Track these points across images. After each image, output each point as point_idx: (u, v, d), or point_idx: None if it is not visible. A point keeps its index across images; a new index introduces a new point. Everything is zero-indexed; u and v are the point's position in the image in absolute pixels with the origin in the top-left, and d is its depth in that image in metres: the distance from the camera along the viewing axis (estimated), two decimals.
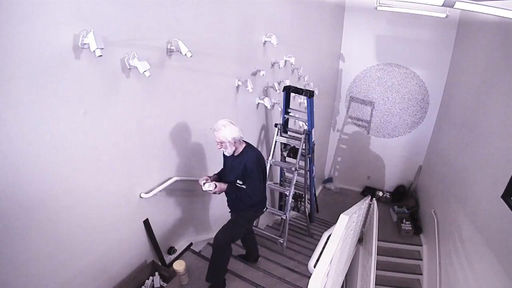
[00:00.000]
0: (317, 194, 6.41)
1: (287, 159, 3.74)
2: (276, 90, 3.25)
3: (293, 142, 3.51)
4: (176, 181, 2.07)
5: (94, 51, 1.22)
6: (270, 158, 3.47)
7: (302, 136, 3.38)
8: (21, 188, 1.20)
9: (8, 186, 1.15)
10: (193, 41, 1.92)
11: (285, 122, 3.55)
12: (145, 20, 1.56)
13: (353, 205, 2.38)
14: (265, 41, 2.85)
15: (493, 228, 2.67)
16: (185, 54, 1.74)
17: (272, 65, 3.20)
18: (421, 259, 4.74)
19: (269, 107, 3.15)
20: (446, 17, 3.77)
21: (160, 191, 1.95)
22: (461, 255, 3.21)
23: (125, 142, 1.66)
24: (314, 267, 1.35)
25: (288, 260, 3.08)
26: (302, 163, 3.60)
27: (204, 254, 2.50)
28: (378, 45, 5.64)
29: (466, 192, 3.42)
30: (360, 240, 3.50)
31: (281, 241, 3.33)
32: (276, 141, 3.51)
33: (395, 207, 5.72)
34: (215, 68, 2.26)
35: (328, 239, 1.55)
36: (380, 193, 6.48)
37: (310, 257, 1.93)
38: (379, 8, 3.88)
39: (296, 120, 3.77)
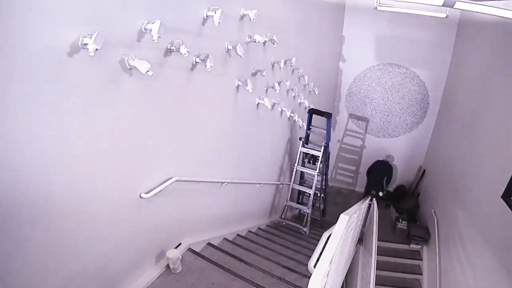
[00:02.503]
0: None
1: (307, 165, 4.69)
2: (276, 90, 3.25)
3: (312, 152, 4.42)
4: (176, 181, 2.07)
5: (89, 49, 1.22)
6: (296, 164, 4.46)
7: (322, 148, 4.31)
8: (21, 188, 1.20)
9: (8, 186, 1.15)
10: (194, 42, 1.92)
11: (307, 137, 4.50)
12: (146, 19, 1.55)
13: (353, 205, 2.39)
14: (265, 41, 2.85)
15: (493, 228, 2.67)
16: (184, 54, 1.75)
17: (272, 65, 3.20)
18: (421, 259, 4.74)
19: (269, 107, 3.15)
20: (446, 17, 3.78)
21: (160, 191, 1.95)
22: (461, 255, 3.21)
23: (126, 142, 1.66)
24: (314, 267, 1.35)
25: (288, 260, 3.08)
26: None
27: (204, 254, 2.50)
28: (378, 45, 5.64)
29: (466, 192, 3.42)
30: (360, 240, 3.51)
31: (305, 230, 4.35)
32: (300, 151, 4.43)
33: (395, 207, 5.72)
34: (216, 68, 2.26)
35: (328, 239, 1.55)
36: (380, 193, 6.47)
37: (310, 257, 1.93)
38: (379, 8, 3.88)
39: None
